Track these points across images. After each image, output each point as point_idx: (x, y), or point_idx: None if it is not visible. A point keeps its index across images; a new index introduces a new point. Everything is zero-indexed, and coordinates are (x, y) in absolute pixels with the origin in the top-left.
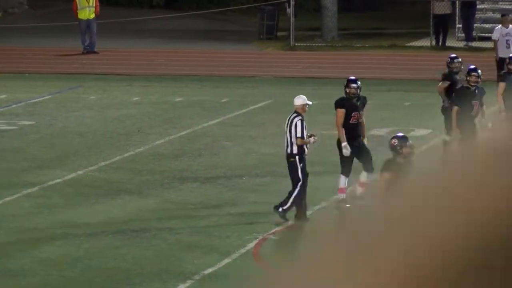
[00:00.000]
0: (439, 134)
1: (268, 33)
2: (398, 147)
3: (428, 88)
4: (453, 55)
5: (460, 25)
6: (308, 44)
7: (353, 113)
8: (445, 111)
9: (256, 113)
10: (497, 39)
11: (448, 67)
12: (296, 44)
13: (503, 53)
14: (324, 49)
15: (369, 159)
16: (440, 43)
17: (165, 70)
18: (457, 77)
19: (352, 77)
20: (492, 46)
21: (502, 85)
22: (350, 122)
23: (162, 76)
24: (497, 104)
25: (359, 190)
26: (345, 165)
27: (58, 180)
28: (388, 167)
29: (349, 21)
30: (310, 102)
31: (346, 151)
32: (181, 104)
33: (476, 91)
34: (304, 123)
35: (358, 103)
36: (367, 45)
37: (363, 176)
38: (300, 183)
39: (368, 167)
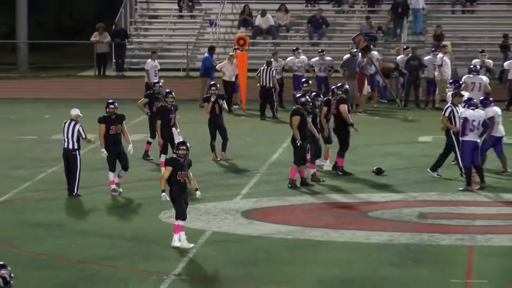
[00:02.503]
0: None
1: None
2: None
3: (94, 105)
4: (155, 81)
5: (115, 60)
6: (6, 75)
7: (111, 126)
8: (149, 119)
9: None
10: (148, 69)
11: (151, 89)
12: None
13: (154, 79)
14: (19, 79)
15: (125, 161)
16: (101, 73)
17: None
18: (158, 95)
19: (111, 100)
20: (141, 75)
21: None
22: (110, 133)
23: None
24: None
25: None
26: (111, 163)
27: None
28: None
29: (37, 57)
30: (81, 114)
31: (104, 155)
32: None
33: (172, 108)
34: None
35: (116, 119)
36: (50, 75)
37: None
38: (79, 169)
39: (124, 167)
